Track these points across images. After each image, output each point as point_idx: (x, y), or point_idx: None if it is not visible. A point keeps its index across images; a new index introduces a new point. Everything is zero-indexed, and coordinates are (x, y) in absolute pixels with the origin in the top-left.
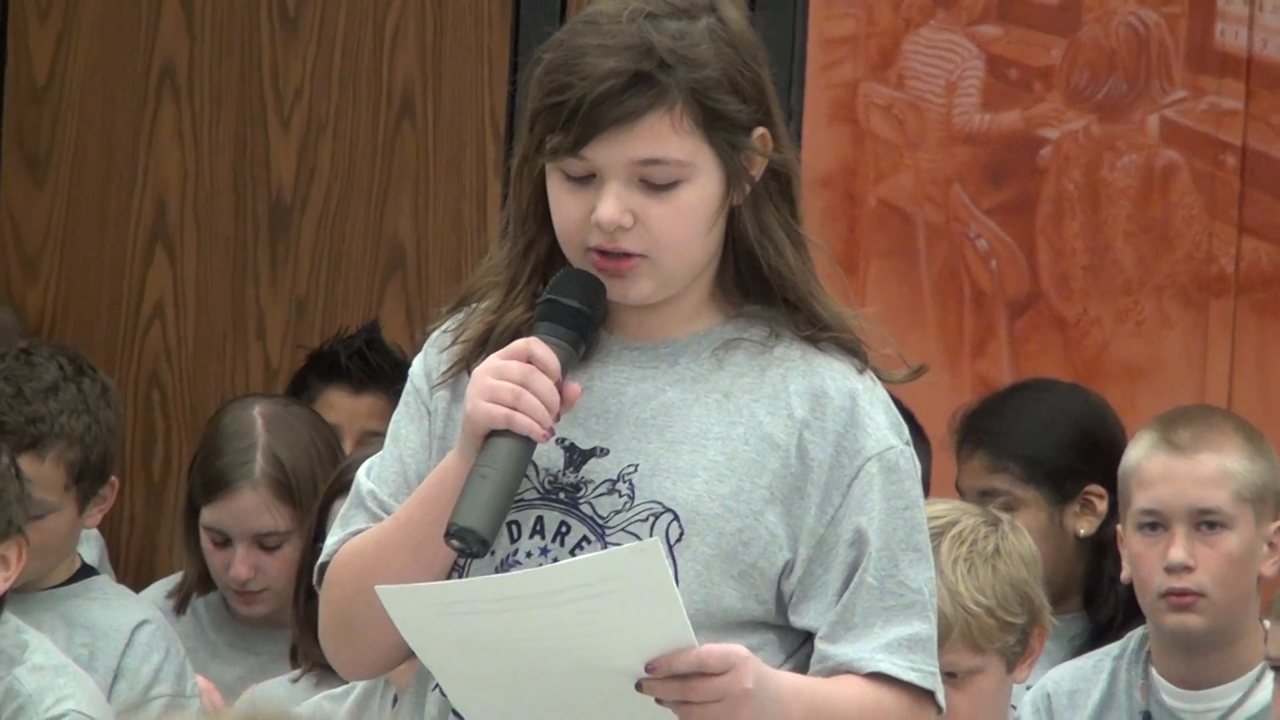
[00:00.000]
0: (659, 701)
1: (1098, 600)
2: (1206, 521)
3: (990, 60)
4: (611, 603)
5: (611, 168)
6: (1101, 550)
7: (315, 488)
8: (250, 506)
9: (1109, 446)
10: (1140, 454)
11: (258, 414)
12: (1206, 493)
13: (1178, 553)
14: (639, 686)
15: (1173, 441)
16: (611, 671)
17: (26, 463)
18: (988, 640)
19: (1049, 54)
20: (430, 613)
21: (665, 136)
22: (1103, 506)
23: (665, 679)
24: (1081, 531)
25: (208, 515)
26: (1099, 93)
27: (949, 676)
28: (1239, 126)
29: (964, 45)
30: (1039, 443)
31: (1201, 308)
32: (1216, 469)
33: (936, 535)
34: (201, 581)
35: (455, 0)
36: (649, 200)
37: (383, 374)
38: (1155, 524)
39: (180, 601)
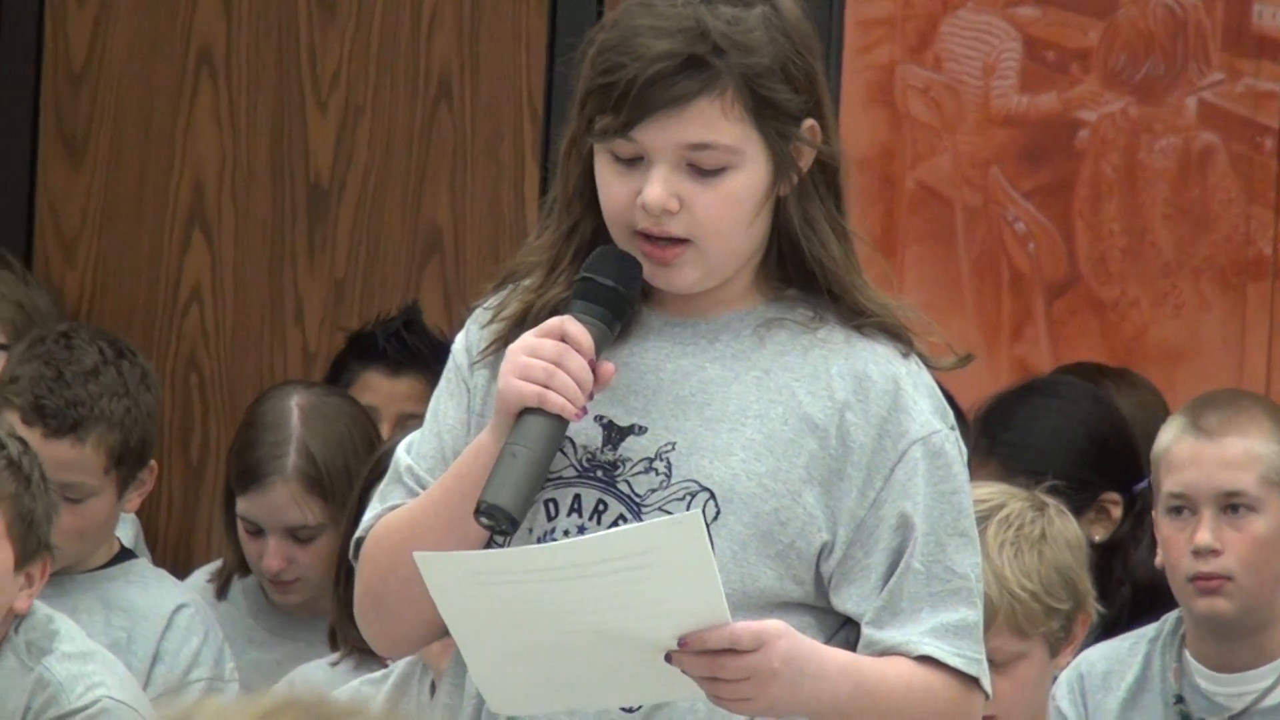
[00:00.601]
0: (686, 673)
1: (1105, 599)
2: (1233, 505)
3: (1028, 42)
4: (648, 575)
5: (660, 150)
6: (1111, 551)
7: (349, 481)
8: (281, 500)
9: (1122, 453)
10: (1169, 439)
11: (294, 404)
12: (1232, 476)
13: (1204, 536)
14: (668, 658)
15: (1200, 426)
16: (642, 644)
17: (67, 447)
18: (1033, 626)
19: (1086, 36)
20: (465, 581)
21: (715, 121)
22: (1117, 513)
23: (695, 654)
24: (1096, 538)
25: (242, 505)
26: (1136, 75)
27: (991, 663)
28: (1276, 108)
29: (1001, 27)
30: (1051, 458)
31: (1239, 290)
32: (1242, 452)
33: (983, 519)
34: (241, 566)
35: None
36: (696, 185)
37: (421, 356)
38: (1182, 508)
39: (221, 586)
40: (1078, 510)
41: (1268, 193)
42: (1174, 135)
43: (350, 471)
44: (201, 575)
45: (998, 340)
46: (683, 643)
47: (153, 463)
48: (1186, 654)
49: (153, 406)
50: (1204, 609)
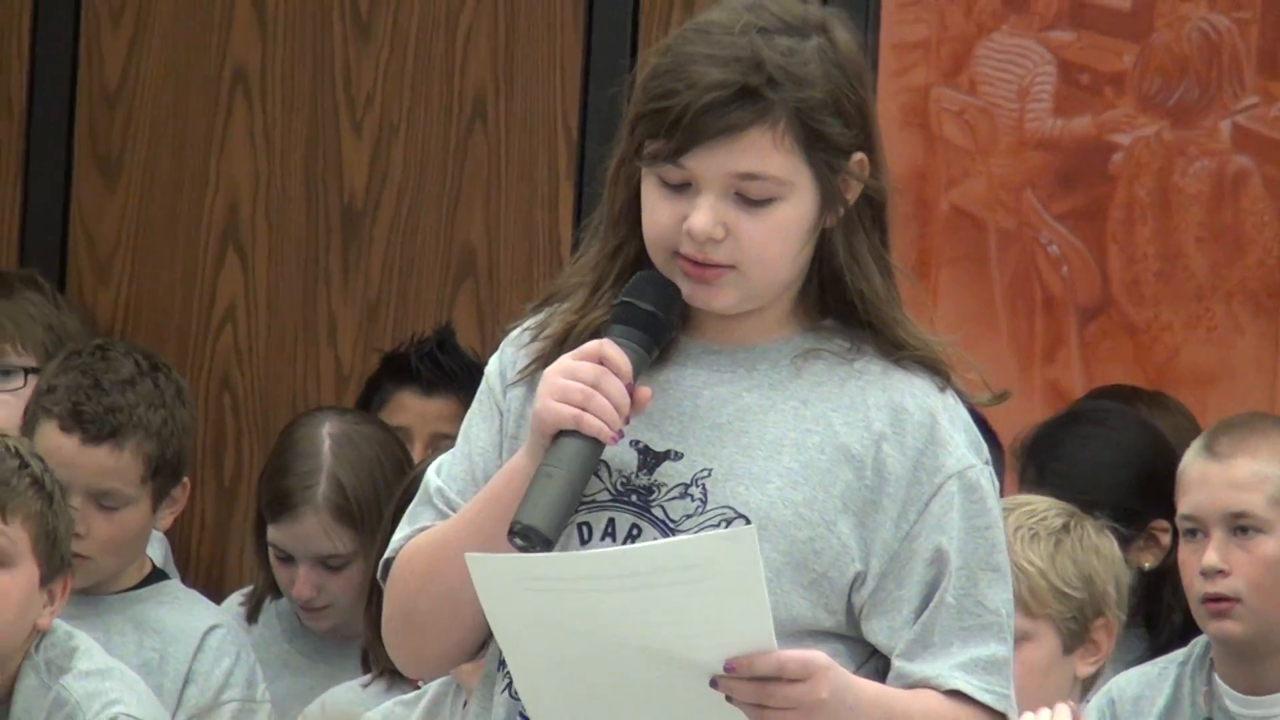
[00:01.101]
0: (729, 699)
1: (1156, 626)
2: (1241, 526)
3: (1062, 65)
4: (698, 590)
5: (709, 179)
6: (1161, 579)
7: (378, 509)
8: (312, 530)
9: (1170, 480)
10: (1186, 461)
11: (325, 433)
12: (1239, 496)
13: (1210, 557)
14: (714, 683)
15: (1212, 448)
16: (687, 664)
17: (105, 453)
18: (1039, 604)
19: (1121, 59)
20: (514, 585)
21: (766, 152)
22: (1166, 540)
23: (742, 680)
24: (1146, 566)
25: (272, 533)
26: (1171, 98)
27: None
28: None
29: (1036, 50)
30: (1099, 486)
31: (1273, 314)
32: (1250, 473)
33: (1007, 511)
34: (273, 589)
35: (528, 4)
36: (743, 214)
37: (454, 376)
38: (1194, 530)
39: (252, 609)
40: (1128, 539)
41: None
42: (1208, 159)
43: (380, 499)
44: (235, 599)
45: (1030, 363)
46: (729, 667)
47: (186, 480)
48: (1216, 677)
49: (188, 421)
50: (1215, 631)
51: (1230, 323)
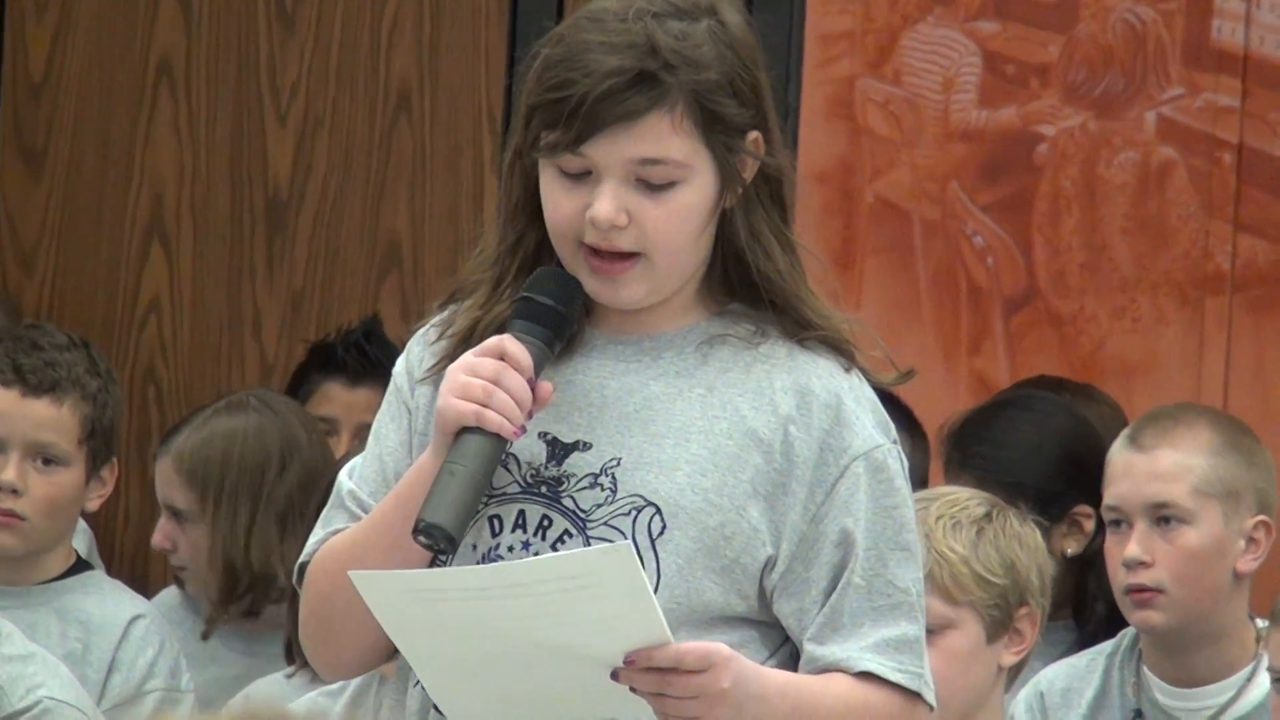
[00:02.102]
0: (634, 690)
1: (1083, 615)
2: (1164, 517)
3: (987, 56)
4: (585, 598)
5: (610, 166)
6: (1087, 567)
7: (223, 484)
8: (161, 475)
9: (1095, 465)
10: (1112, 452)
11: (226, 398)
12: (1161, 487)
13: (1132, 548)
14: (615, 676)
15: (1136, 439)
16: (587, 660)
17: (45, 405)
18: (961, 591)
19: (1046, 50)
20: (403, 598)
21: (665, 137)
22: (1090, 526)
23: (642, 670)
24: (1069, 551)
25: None
26: (1096, 89)
27: None
28: (1235, 124)
29: (961, 41)
30: (1024, 468)
31: (1198, 305)
32: (1172, 464)
33: (931, 499)
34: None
35: None
36: (645, 200)
37: (380, 367)
38: (1119, 520)
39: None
40: (1050, 525)
41: (1226, 208)
42: (1133, 150)
43: (233, 476)
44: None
45: (956, 354)
46: (629, 659)
47: (114, 460)
48: (1144, 669)
49: (119, 401)
50: (1138, 622)
51: (1155, 314)
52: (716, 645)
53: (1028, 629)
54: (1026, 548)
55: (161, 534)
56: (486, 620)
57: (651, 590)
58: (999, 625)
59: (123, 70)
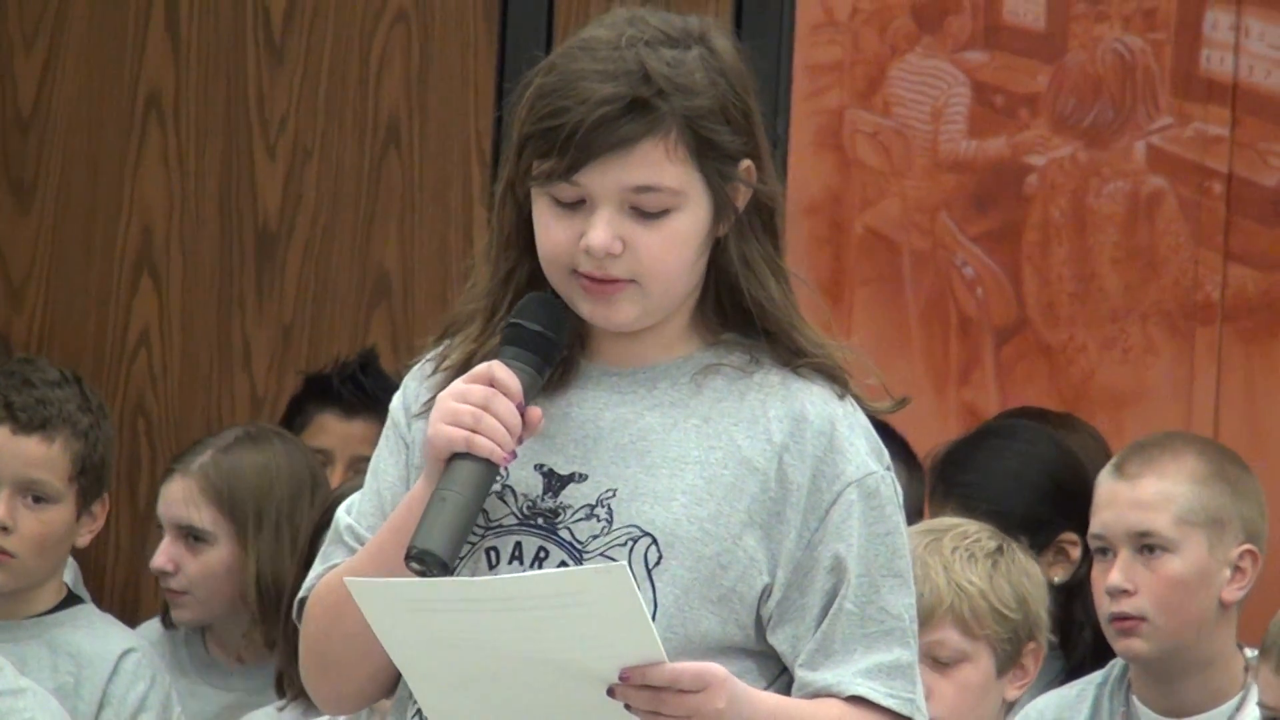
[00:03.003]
0: (628, 708)
1: (1069, 643)
2: (1147, 545)
3: (976, 87)
4: (579, 615)
5: (604, 194)
6: (1073, 595)
7: (255, 510)
8: (176, 494)
9: (1080, 493)
10: (1098, 481)
11: (237, 427)
12: (1144, 516)
13: (1114, 576)
14: (611, 692)
15: (1122, 468)
16: (582, 677)
17: (35, 443)
18: (980, 625)
19: (1035, 80)
20: (399, 609)
21: (659, 164)
22: (1076, 553)
23: (638, 688)
24: (1056, 579)
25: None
26: (1085, 119)
27: (935, 662)
28: (1225, 153)
29: (950, 72)
30: (1010, 496)
31: (1187, 335)
32: (1156, 493)
33: (942, 532)
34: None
35: (441, 28)
36: (639, 227)
37: (375, 399)
38: (1104, 549)
39: (165, 612)
40: (1037, 550)
41: (1216, 237)
42: (1122, 180)
43: (260, 502)
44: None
45: (946, 384)
46: (624, 676)
47: (105, 496)
48: (1134, 698)
49: (110, 437)
50: (1123, 650)
51: (1145, 344)
52: (712, 666)
53: (1031, 664)
54: (1034, 583)
55: (165, 556)
56: (481, 634)
57: (647, 611)
58: (1009, 659)
59: (112, 103)
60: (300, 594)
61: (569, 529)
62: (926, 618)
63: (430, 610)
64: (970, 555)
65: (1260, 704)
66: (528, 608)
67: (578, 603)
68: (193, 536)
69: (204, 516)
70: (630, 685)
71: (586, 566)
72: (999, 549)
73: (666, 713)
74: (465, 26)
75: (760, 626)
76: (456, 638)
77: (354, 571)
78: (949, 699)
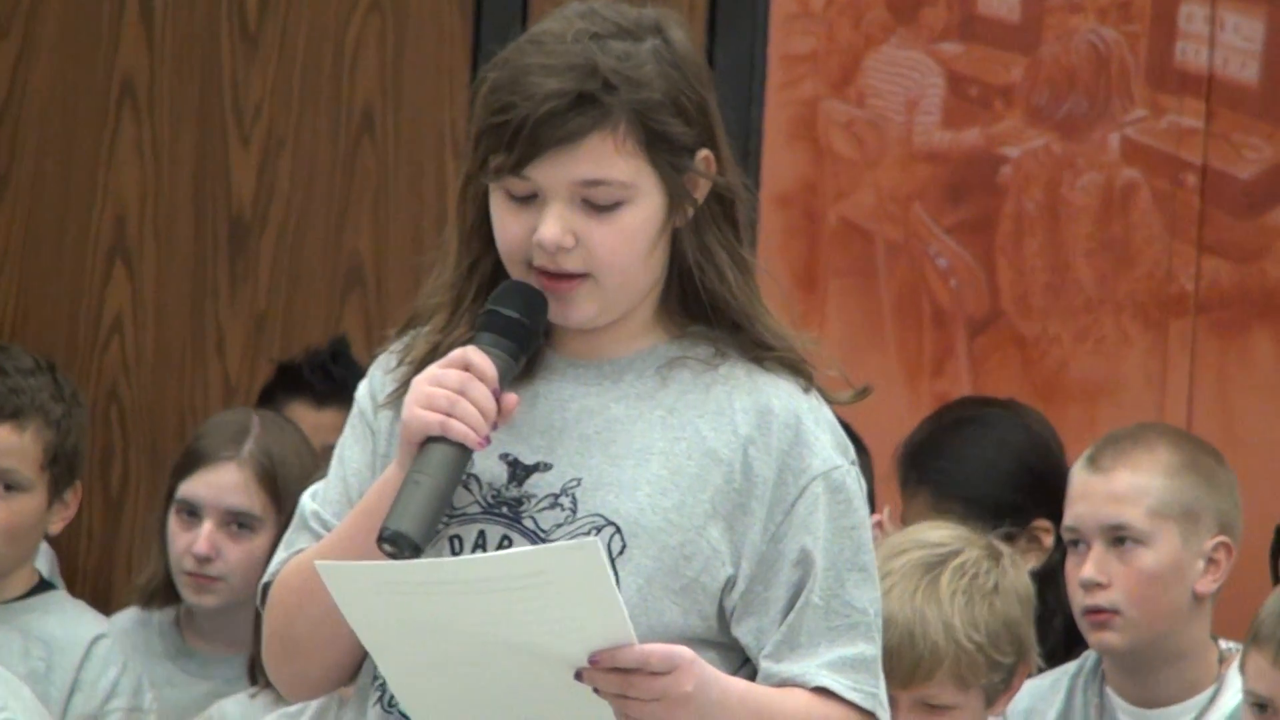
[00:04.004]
0: (597, 692)
1: (1041, 631)
2: (1121, 538)
3: (951, 78)
4: (549, 595)
5: (554, 188)
6: (1046, 582)
7: (294, 493)
8: (229, 480)
9: (1053, 479)
10: (1072, 473)
11: (254, 414)
12: (1117, 509)
13: (1088, 569)
14: (579, 676)
15: (1095, 460)
16: (551, 660)
17: (7, 432)
18: (974, 677)
19: (1009, 72)
20: (368, 591)
21: (608, 157)
22: (1048, 540)
23: (606, 671)
24: (1028, 566)
25: (186, 488)
26: (1059, 111)
27: (927, 707)
28: (1199, 145)
29: (924, 63)
30: (982, 483)
31: (1161, 327)
32: (1129, 486)
33: (938, 564)
34: (159, 595)
35: (416, 17)
36: (591, 221)
37: (346, 388)
38: (1077, 541)
39: (149, 596)
40: (1010, 538)
41: (1190, 229)
42: (1096, 171)
43: (297, 484)
44: (127, 614)
45: (919, 376)
46: (593, 660)
47: (78, 484)
48: (1108, 689)
49: (84, 424)
50: (1096, 643)
51: (1119, 335)
52: (681, 648)
53: (1019, 683)
54: (1024, 602)
55: (209, 542)
56: (451, 617)
57: (616, 588)
58: (1000, 693)
59: (86, 91)
60: (264, 579)
61: (533, 518)
62: (925, 675)
63: (399, 593)
64: (969, 600)
65: (1248, 691)
66: (498, 588)
67: (548, 582)
68: (238, 523)
69: (256, 503)
70: (599, 669)
71: (558, 543)
72: (996, 585)
73: (635, 695)
74: (439, 16)
75: (723, 618)
76: (426, 621)
77: (322, 555)
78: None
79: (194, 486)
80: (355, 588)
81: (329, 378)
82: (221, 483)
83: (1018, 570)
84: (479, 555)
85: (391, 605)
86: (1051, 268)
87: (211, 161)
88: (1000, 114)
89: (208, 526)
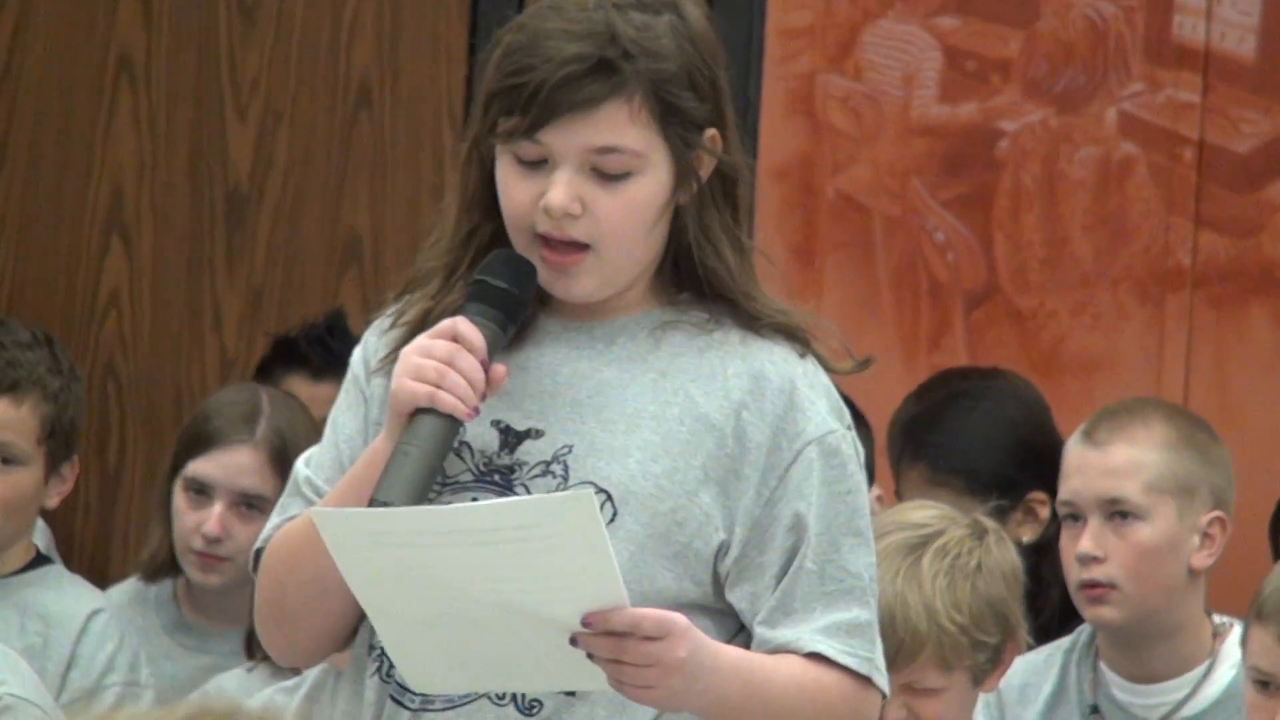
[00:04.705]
0: (591, 658)
1: (1037, 604)
2: (1118, 512)
3: (948, 52)
4: (542, 549)
5: (565, 153)
6: (1041, 554)
7: None
8: (243, 462)
9: (1048, 452)
10: (1068, 447)
11: (262, 391)
12: (1115, 483)
13: (1085, 544)
14: (574, 641)
15: (1092, 435)
16: (544, 621)
17: (4, 405)
18: (958, 659)
19: (1007, 46)
20: (364, 541)
21: (622, 126)
22: (1044, 513)
23: (599, 635)
24: (1024, 539)
25: (195, 466)
26: (1057, 85)
27: (912, 690)
28: (1196, 120)
29: (922, 37)
30: (978, 456)
31: (1158, 301)
32: (1126, 460)
33: (920, 545)
34: (161, 569)
35: None
36: (599, 189)
37: (343, 361)
38: (1073, 515)
39: (152, 571)
40: (1005, 510)
41: (1187, 204)
42: (1094, 146)
43: None
44: (124, 587)
45: (916, 350)
46: (586, 622)
47: (75, 458)
48: (1102, 664)
49: (81, 398)
50: (1092, 618)
51: (1116, 309)
52: (675, 615)
53: (1010, 659)
54: (1009, 580)
55: (219, 524)
56: (444, 570)
57: (609, 542)
58: (987, 672)
59: (83, 65)
60: (257, 545)
61: (525, 485)
62: (907, 658)
63: (394, 544)
64: (951, 581)
65: (1253, 667)
66: (491, 540)
67: (542, 535)
68: (247, 504)
69: (268, 485)
70: (592, 632)
71: (552, 495)
72: (979, 564)
73: (628, 661)
74: None
75: (717, 584)
76: (420, 574)
77: (310, 522)
78: (930, 716)
79: (206, 467)
80: (351, 538)
81: (326, 350)
82: (235, 464)
83: (1002, 547)
84: (472, 504)
85: (386, 558)
86: (1048, 242)
87: (208, 135)
88: (997, 88)
89: (219, 508)
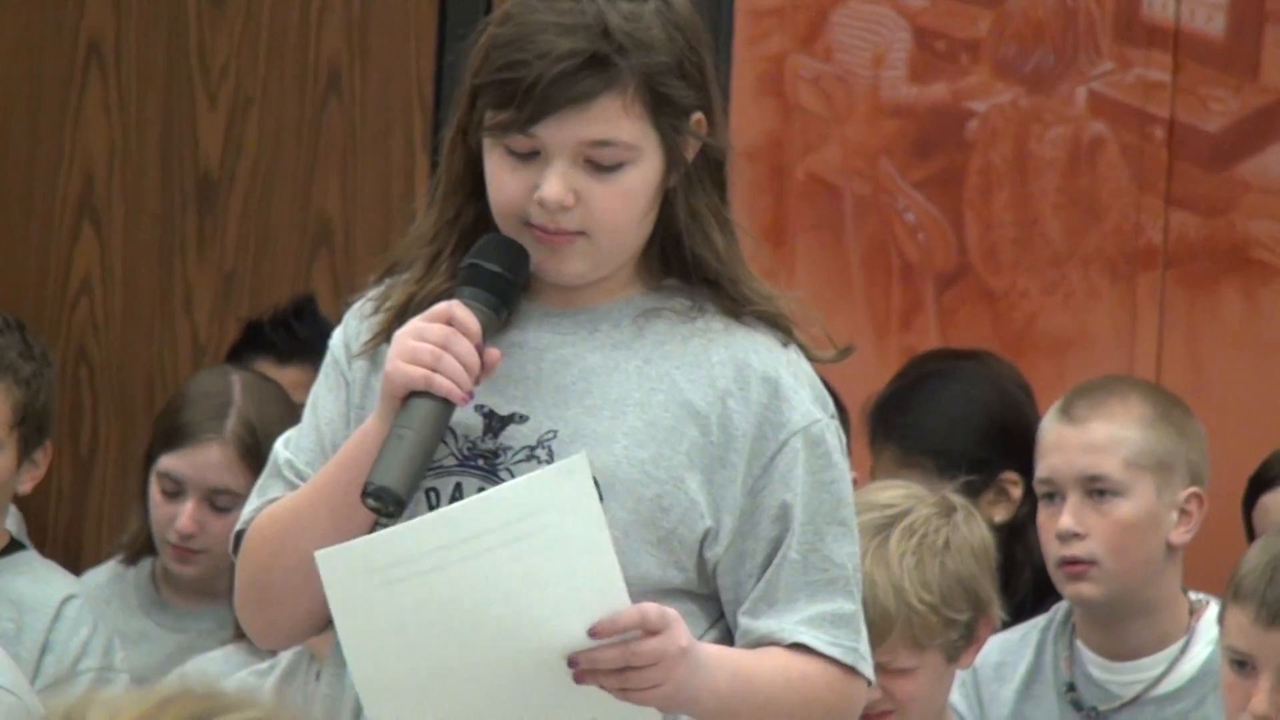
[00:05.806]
0: (588, 682)
1: (1010, 584)
2: (1097, 489)
3: (917, 32)
4: (540, 545)
5: (559, 147)
6: (1014, 534)
7: None
8: (213, 459)
9: (1020, 431)
10: (1043, 425)
11: (235, 378)
12: (1094, 460)
13: (1065, 520)
14: (578, 677)
15: (1068, 411)
16: (548, 639)
17: None
18: (929, 637)
19: (976, 26)
20: (370, 582)
21: (616, 119)
22: (1017, 493)
23: (606, 648)
24: (996, 519)
25: (167, 462)
26: (1026, 65)
27: (883, 669)
28: (1167, 99)
29: (891, 17)
30: (950, 436)
31: (1129, 280)
32: (1105, 436)
33: (887, 525)
34: (139, 549)
35: None
36: (593, 181)
37: (309, 345)
38: (1052, 493)
39: (132, 553)
40: (977, 490)
41: (1157, 183)
42: (1064, 125)
43: None
44: (102, 570)
45: (887, 330)
46: (593, 632)
47: (48, 443)
48: (1078, 642)
49: (53, 384)
50: (1072, 594)
51: (1087, 289)
52: (665, 606)
53: (985, 634)
54: (979, 556)
55: (192, 521)
56: (455, 598)
57: (604, 520)
58: (961, 649)
59: (52, 50)
60: (238, 527)
61: (509, 470)
62: (877, 639)
63: (400, 576)
64: (919, 561)
65: (1229, 647)
66: (494, 543)
67: (538, 526)
68: (219, 499)
69: (240, 480)
70: (599, 645)
71: (546, 468)
72: (946, 542)
73: (636, 664)
74: None
75: (702, 570)
76: (425, 615)
77: (298, 506)
78: (904, 694)
79: (176, 463)
80: (353, 576)
81: (292, 335)
82: (205, 462)
83: (971, 523)
84: (470, 499)
85: (392, 596)
86: (1019, 222)
87: (179, 121)
88: (967, 68)
89: (190, 505)
